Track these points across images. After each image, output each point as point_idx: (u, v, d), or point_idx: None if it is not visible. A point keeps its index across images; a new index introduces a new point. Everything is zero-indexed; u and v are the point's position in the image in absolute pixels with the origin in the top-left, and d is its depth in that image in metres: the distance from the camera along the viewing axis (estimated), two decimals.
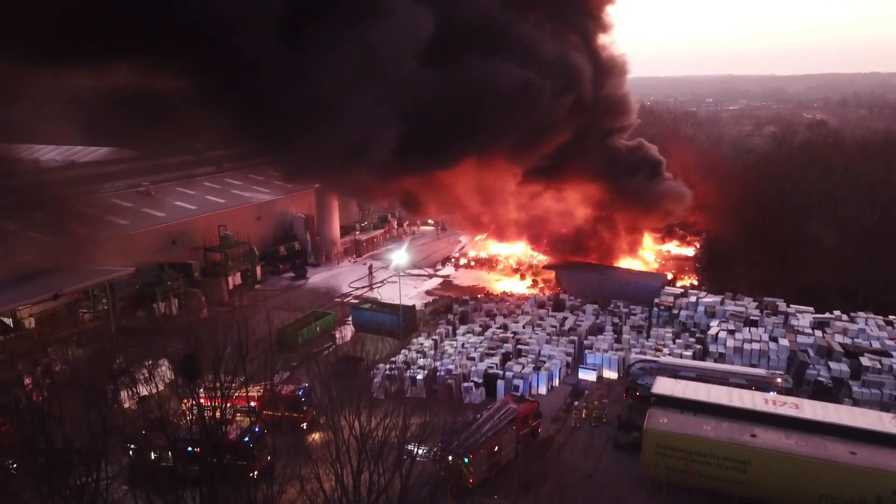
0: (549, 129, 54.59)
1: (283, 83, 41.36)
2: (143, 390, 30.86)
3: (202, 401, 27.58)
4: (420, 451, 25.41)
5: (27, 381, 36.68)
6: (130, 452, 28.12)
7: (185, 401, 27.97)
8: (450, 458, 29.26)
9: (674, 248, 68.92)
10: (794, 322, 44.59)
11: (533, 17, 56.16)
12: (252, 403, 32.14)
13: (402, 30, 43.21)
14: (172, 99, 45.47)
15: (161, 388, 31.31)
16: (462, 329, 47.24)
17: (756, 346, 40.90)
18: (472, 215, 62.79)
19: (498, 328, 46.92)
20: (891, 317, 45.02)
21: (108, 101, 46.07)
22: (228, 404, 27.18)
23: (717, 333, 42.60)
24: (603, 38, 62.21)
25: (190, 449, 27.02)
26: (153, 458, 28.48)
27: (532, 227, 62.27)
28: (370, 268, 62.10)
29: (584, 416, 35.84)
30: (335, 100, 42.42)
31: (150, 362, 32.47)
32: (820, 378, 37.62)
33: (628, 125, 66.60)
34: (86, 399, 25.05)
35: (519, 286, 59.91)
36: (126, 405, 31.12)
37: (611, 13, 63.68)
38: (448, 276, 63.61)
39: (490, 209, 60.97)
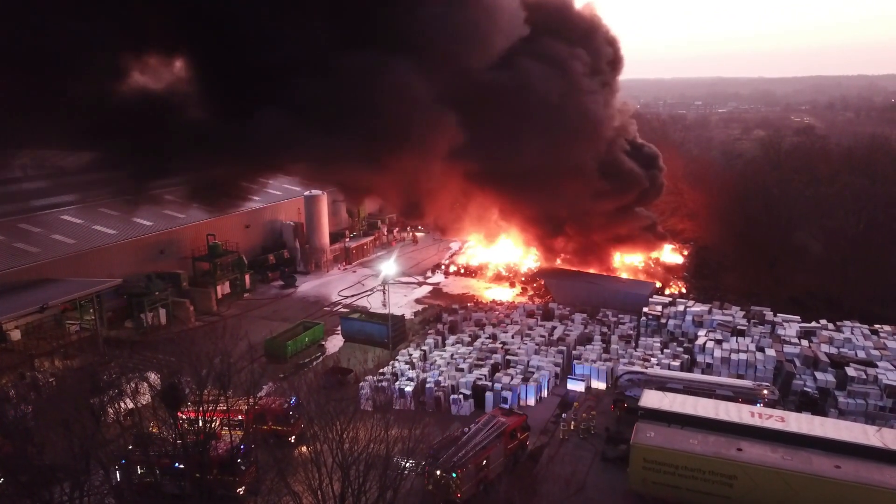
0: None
1: None
2: (130, 403, 30.68)
3: (189, 414, 27.55)
4: (408, 466, 25.42)
5: (12, 394, 36.52)
6: (117, 468, 27.92)
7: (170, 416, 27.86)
8: (437, 472, 29.25)
9: (662, 255, 69.17)
10: (780, 332, 44.90)
11: None
12: (239, 417, 32.08)
13: None
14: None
15: (148, 400, 31.22)
16: (451, 339, 47.25)
17: (743, 356, 41.13)
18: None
19: (487, 338, 46.98)
20: (876, 326, 45.42)
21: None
22: (215, 418, 27.14)
23: (705, 343, 42.82)
24: None
25: (176, 465, 26.88)
26: (140, 473, 28.33)
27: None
28: (384, 288, 59.28)
29: (572, 427, 35.93)
30: None
31: (138, 375, 32.31)
32: (806, 389, 37.89)
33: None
34: (70, 414, 24.98)
35: (508, 294, 60.04)
36: (112, 419, 30.85)
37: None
38: (438, 284, 63.63)
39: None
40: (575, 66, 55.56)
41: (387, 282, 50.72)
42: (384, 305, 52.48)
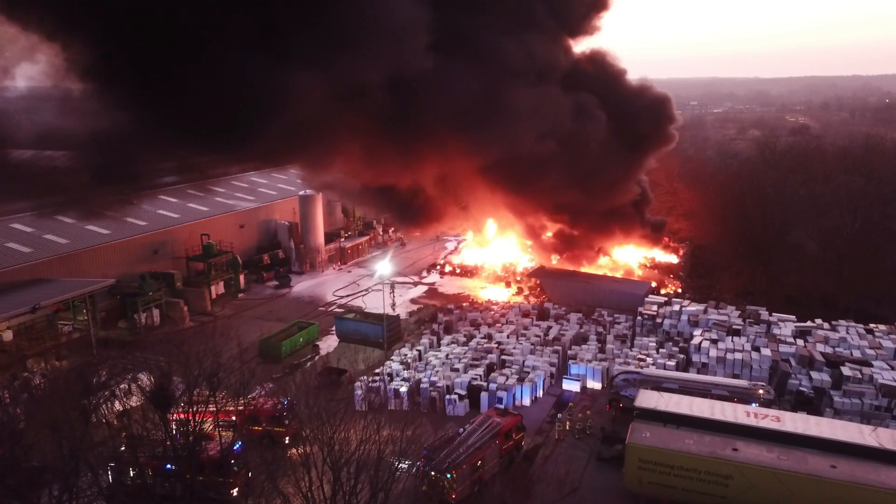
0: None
1: None
2: (122, 405, 30.39)
3: (180, 415, 27.28)
4: (402, 466, 25.23)
5: (4, 395, 36.17)
6: (109, 470, 27.66)
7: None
8: (432, 473, 29.08)
9: (658, 254, 69.11)
10: (776, 331, 44.84)
11: None
12: (233, 418, 31.83)
13: None
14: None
15: (141, 401, 30.93)
16: (446, 339, 47.06)
17: (739, 355, 41.04)
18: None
19: (482, 338, 46.80)
20: (871, 325, 45.39)
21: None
22: (206, 419, 26.87)
23: (700, 343, 42.73)
24: None
25: (169, 466, 26.63)
26: (132, 474, 28.06)
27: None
28: (392, 287, 56.52)
29: (567, 427, 35.78)
30: None
31: (129, 375, 32.04)
32: (802, 388, 37.81)
33: None
34: (59, 416, 24.71)
35: (504, 294, 59.88)
36: (105, 420, 30.59)
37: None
38: (433, 284, 63.46)
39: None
40: (508, 60, 50.92)
41: (386, 280, 50.56)
42: (392, 305, 52.45)
